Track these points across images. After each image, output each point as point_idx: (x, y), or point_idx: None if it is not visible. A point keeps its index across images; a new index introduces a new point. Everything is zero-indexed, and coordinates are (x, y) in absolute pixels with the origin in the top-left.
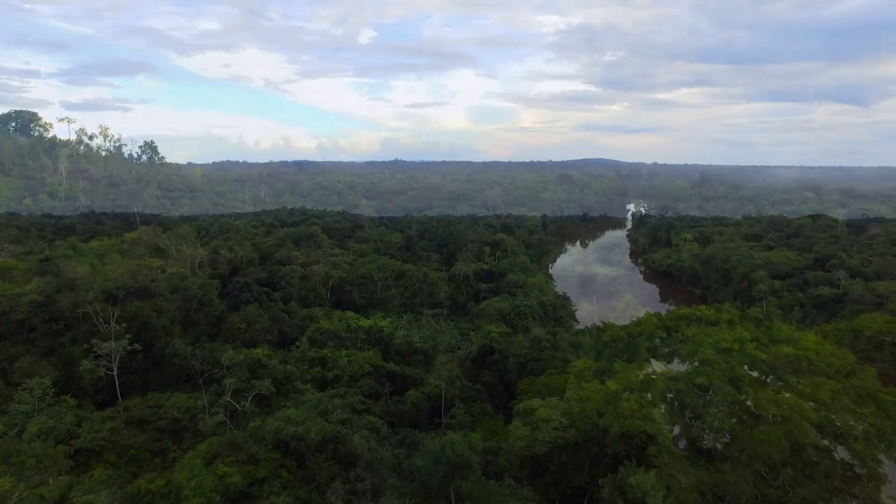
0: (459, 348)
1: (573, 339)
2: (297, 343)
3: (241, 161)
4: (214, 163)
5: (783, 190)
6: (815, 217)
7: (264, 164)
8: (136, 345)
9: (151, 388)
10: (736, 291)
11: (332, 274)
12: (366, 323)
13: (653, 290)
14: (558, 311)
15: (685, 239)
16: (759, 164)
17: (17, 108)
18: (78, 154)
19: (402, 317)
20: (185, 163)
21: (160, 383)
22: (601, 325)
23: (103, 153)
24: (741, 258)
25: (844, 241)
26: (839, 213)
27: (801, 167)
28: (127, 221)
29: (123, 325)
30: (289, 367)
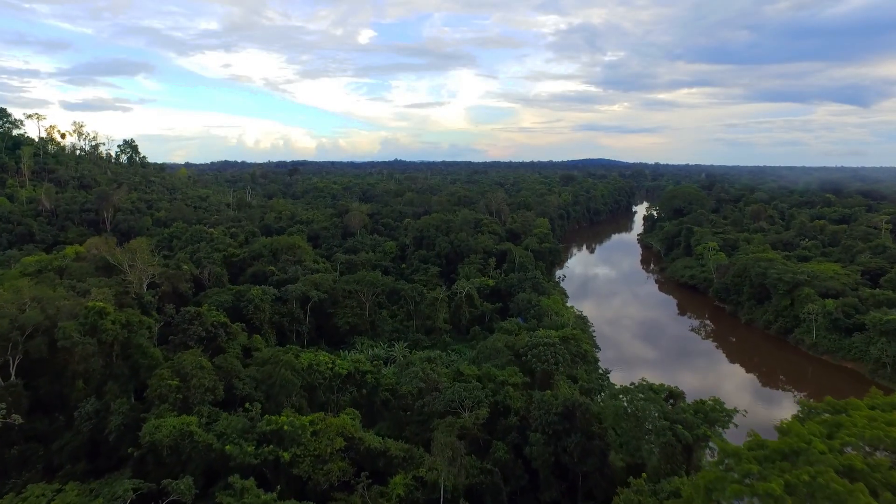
0: (464, 409)
1: (616, 406)
2: (248, 406)
3: (239, 161)
4: (213, 163)
5: (801, 192)
6: (850, 223)
7: (260, 165)
8: (15, 416)
9: (55, 462)
10: (776, 311)
11: (312, 295)
12: (344, 367)
13: (670, 301)
14: (582, 345)
15: (710, 248)
16: (760, 164)
17: None
18: (46, 153)
19: (393, 345)
20: (183, 163)
21: (67, 456)
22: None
23: (78, 152)
24: (781, 272)
25: (894, 252)
26: (880, 219)
27: (804, 167)
28: (96, 227)
29: (22, 379)
30: (229, 447)
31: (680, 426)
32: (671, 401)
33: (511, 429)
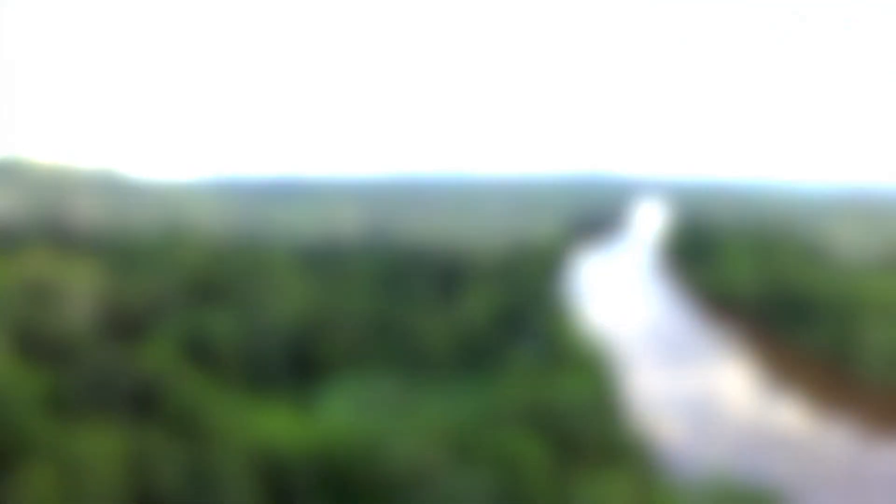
0: None
1: None
2: None
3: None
4: None
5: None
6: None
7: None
8: None
9: None
10: (832, 335)
11: (290, 321)
12: (314, 439)
13: (691, 313)
14: (613, 385)
15: (738, 256)
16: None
17: None
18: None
19: (383, 382)
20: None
21: None
22: None
23: None
24: (839, 287)
25: None
26: None
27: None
28: (65, 235)
29: None
30: None
31: None
32: None
33: None
